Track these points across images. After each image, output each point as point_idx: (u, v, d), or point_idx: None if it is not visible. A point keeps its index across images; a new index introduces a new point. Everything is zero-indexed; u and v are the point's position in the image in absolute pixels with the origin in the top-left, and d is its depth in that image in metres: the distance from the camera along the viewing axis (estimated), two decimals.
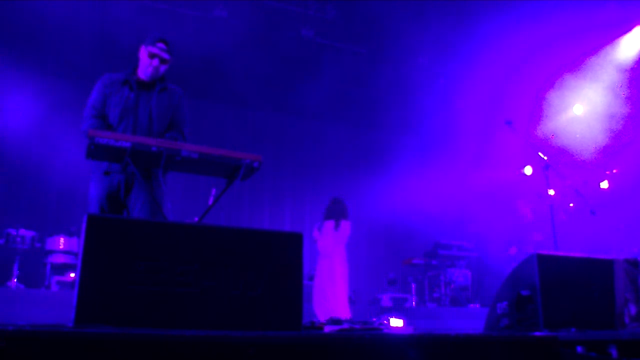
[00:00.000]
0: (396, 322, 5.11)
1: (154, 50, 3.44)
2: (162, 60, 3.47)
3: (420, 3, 7.77)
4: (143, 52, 3.49)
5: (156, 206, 3.28)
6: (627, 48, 8.17)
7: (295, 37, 8.47)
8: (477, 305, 8.05)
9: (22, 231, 6.51)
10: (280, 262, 2.41)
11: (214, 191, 5.56)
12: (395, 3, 7.79)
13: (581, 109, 8.95)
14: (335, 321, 3.54)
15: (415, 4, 7.79)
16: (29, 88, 8.13)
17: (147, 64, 3.46)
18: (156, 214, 3.31)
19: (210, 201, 5.43)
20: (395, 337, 2.07)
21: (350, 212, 6.62)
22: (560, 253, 3.21)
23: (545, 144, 8.38)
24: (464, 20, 7.71)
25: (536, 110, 8.89)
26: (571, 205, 7.58)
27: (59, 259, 6.62)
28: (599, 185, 8.12)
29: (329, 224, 6.42)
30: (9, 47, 7.78)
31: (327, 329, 2.88)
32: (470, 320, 6.89)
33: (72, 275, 6.46)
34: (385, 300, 8.10)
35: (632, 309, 3.13)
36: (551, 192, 4.53)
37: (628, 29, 8.07)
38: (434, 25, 7.99)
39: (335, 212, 6.51)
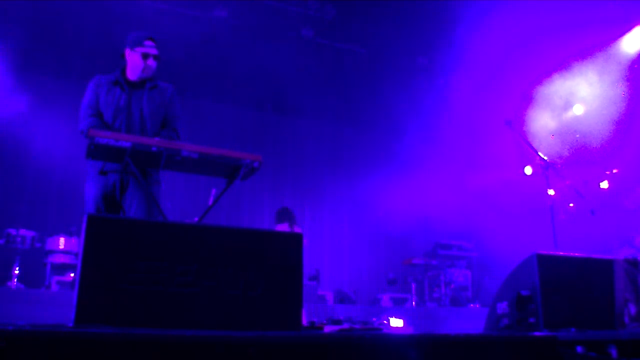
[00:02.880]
0: (396, 322, 5.10)
1: (146, 50, 3.43)
2: (155, 57, 3.48)
3: (420, 3, 7.77)
4: (131, 55, 3.46)
5: (152, 205, 3.28)
6: (627, 47, 8.16)
7: (295, 37, 8.47)
8: (477, 305, 8.05)
9: (22, 231, 6.50)
10: (280, 262, 2.41)
11: (214, 191, 5.55)
12: (395, 3, 7.79)
13: (581, 109, 8.94)
14: (335, 321, 3.54)
15: (415, 4, 7.79)
16: (28, 88, 8.13)
17: (141, 66, 3.44)
18: (152, 213, 3.30)
19: (210, 201, 5.42)
20: (395, 337, 2.07)
21: (349, 213, 6.73)
22: (560, 253, 3.21)
23: (545, 144, 8.37)
24: (464, 20, 7.70)
25: (536, 109, 8.88)
26: (571, 205, 7.58)
27: (59, 259, 6.61)
28: (599, 185, 8.11)
29: (283, 227, 6.54)
30: (8, 47, 7.78)
31: (327, 329, 2.88)
32: (470, 320, 6.89)
33: (72, 275, 6.46)
34: (385, 300, 8.10)
35: (632, 309, 3.13)
36: (551, 192, 4.53)
37: (629, 28, 8.06)
38: (434, 25, 7.99)
39: (288, 216, 6.75)
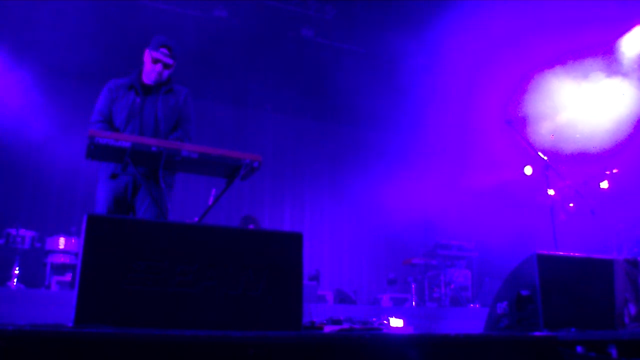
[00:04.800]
0: (396, 322, 5.09)
1: (157, 55, 3.44)
2: (165, 66, 3.47)
3: (419, 3, 7.77)
4: (147, 57, 3.49)
5: (163, 207, 3.30)
6: (628, 47, 8.16)
7: (295, 37, 8.47)
8: (477, 305, 8.05)
9: (22, 231, 6.50)
10: (280, 262, 2.41)
11: (214, 191, 5.55)
12: (395, 3, 7.79)
13: (581, 109, 8.94)
14: (335, 321, 3.53)
15: (414, 4, 7.79)
16: (29, 88, 8.13)
17: (150, 69, 3.46)
18: (161, 215, 3.32)
19: (210, 201, 5.42)
20: (395, 337, 2.07)
21: (349, 213, 6.76)
22: (560, 253, 3.20)
23: (545, 144, 8.36)
24: (463, 20, 7.70)
25: (536, 109, 8.88)
26: (571, 205, 7.57)
27: (59, 259, 6.61)
28: (599, 185, 8.11)
29: None
30: (9, 47, 7.78)
31: (327, 329, 2.87)
32: (470, 320, 6.89)
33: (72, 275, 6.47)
34: (385, 300, 8.09)
35: (632, 309, 3.13)
36: (551, 192, 4.53)
37: (629, 27, 8.06)
38: (433, 25, 7.99)
39: (253, 221, 6.89)
